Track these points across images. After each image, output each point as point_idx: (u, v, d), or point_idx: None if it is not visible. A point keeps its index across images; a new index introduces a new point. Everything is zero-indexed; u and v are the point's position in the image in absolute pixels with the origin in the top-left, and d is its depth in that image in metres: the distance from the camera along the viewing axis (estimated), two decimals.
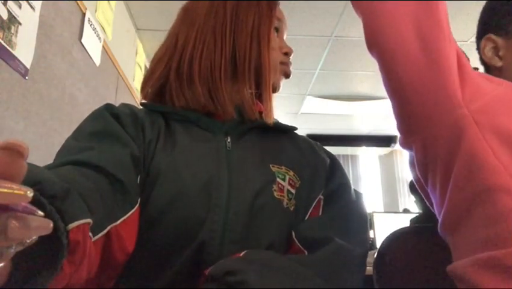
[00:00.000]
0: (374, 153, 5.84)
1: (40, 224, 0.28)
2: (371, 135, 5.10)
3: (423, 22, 0.58)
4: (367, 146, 5.29)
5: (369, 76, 3.35)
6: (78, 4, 1.73)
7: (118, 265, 0.53)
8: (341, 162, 0.90)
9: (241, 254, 0.54)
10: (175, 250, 0.56)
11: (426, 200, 0.69)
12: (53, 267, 0.36)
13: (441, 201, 0.60)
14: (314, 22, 2.59)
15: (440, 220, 0.62)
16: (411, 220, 2.36)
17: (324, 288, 0.52)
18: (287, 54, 0.74)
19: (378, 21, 0.61)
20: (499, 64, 0.72)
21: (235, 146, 0.66)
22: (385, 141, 5.08)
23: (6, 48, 1.19)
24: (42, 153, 1.45)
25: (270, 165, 0.65)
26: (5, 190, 0.24)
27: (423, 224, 0.85)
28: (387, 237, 0.86)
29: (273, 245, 0.59)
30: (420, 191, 0.69)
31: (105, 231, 0.47)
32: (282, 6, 0.76)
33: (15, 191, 0.25)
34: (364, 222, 0.66)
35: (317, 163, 0.70)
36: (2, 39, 1.17)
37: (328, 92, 3.76)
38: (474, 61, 0.77)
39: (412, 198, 3.18)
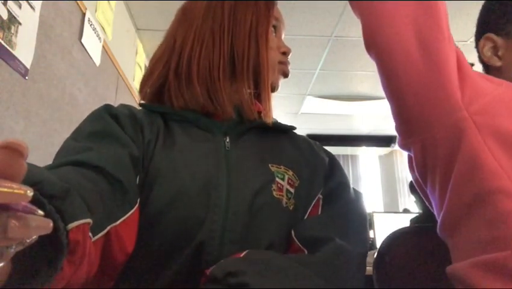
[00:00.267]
0: (374, 153, 5.84)
1: (40, 224, 0.28)
2: (371, 135, 5.10)
3: (423, 23, 0.58)
4: (367, 146, 5.29)
5: (369, 76, 3.35)
6: (77, 4, 1.73)
7: (118, 266, 0.53)
8: (341, 162, 0.90)
9: (242, 255, 0.53)
10: (175, 250, 0.56)
11: (425, 201, 0.69)
12: (53, 266, 0.36)
13: (440, 203, 0.60)
14: (314, 22, 2.59)
15: (439, 221, 0.62)
16: (411, 220, 2.37)
17: (325, 288, 0.52)
18: (285, 53, 0.74)
19: (377, 22, 0.61)
20: (498, 63, 0.72)
21: (234, 145, 0.66)
22: (385, 141, 5.08)
23: (6, 48, 1.19)
24: (42, 153, 1.45)
25: (269, 165, 0.65)
26: (5, 189, 0.24)
27: (423, 224, 0.85)
28: (387, 237, 0.86)
29: (272, 245, 0.59)
30: (419, 192, 0.69)
31: (104, 231, 0.47)
32: (282, 6, 0.76)
33: (15, 191, 0.25)
34: (363, 221, 0.66)
35: (316, 162, 0.71)
36: (2, 39, 1.17)
37: (328, 92, 3.76)
38: (474, 61, 0.77)
39: (412, 198, 3.18)
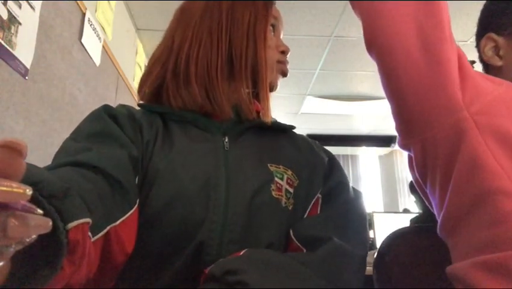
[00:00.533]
0: (374, 153, 5.84)
1: (39, 223, 0.28)
2: (371, 135, 5.10)
3: (424, 23, 0.57)
4: (367, 145, 5.29)
5: (369, 76, 3.35)
6: (78, 4, 1.73)
7: (117, 266, 0.53)
8: (341, 162, 0.90)
9: (241, 253, 0.53)
10: (174, 250, 0.56)
11: (425, 201, 0.69)
12: (53, 266, 0.35)
13: (440, 203, 0.60)
14: (314, 22, 2.59)
15: (439, 221, 0.62)
16: (411, 220, 2.36)
17: (325, 288, 0.52)
18: (284, 52, 0.74)
19: (378, 22, 0.60)
20: (499, 63, 0.72)
21: (233, 145, 0.66)
22: (385, 141, 5.08)
23: (6, 48, 1.19)
24: (42, 153, 1.45)
25: (268, 165, 0.65)
26: (4, 188, 0.24)
27: (423, 224, 0.85)
28: (387, 237, 0.85)
29: (272, 244, 0.59)
30: (419, 192, 0.69)
31: (104, 231, 0.47)
32: (282, 6, 0.76)
33: (15, 189, 0.25)
34: (363, 221, 0.66)
35: (316, 162, 0.70)
36: (2, 39, 1.17)
37: (328, 92, 3.76)
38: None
39: (412, 198, 3.18)
